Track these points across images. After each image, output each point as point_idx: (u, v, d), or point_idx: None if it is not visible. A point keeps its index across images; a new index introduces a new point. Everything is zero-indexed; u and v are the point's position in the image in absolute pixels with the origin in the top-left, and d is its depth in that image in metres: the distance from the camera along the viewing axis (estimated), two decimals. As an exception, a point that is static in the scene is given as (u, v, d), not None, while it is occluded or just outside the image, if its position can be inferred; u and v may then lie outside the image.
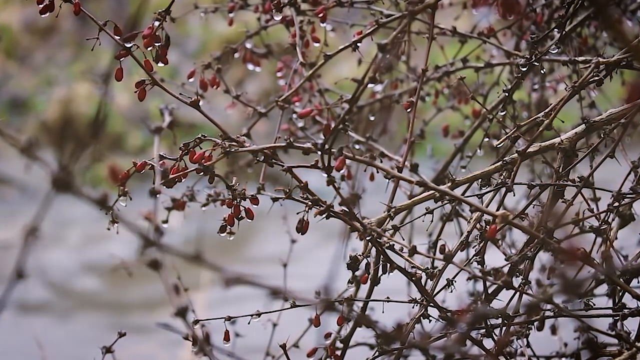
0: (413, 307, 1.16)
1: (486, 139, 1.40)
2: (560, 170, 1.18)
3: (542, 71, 1.55)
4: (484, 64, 1.48)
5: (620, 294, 1.18)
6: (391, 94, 1.62)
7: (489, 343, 1.14)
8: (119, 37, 1.12)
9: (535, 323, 1.16)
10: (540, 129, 1.16)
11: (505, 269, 1.16)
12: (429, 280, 1.16)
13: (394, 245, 1.11)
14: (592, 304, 1.14)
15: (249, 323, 1.24)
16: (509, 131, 1.22)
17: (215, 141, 1.12)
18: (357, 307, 1.25)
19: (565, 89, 1.19)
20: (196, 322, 1.24)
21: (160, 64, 1.20)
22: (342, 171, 1.14)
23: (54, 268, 4.43)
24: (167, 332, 0.82)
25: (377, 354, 1.14)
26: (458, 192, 1.21)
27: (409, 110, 1.22)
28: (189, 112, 1.36)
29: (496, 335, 1.14)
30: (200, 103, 1.15)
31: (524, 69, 1.25)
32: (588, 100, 1.59)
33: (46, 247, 4.55)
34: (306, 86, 1.52)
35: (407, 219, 1.46)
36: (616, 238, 1.27)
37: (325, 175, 1.07)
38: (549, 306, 1.11)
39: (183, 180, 1.15)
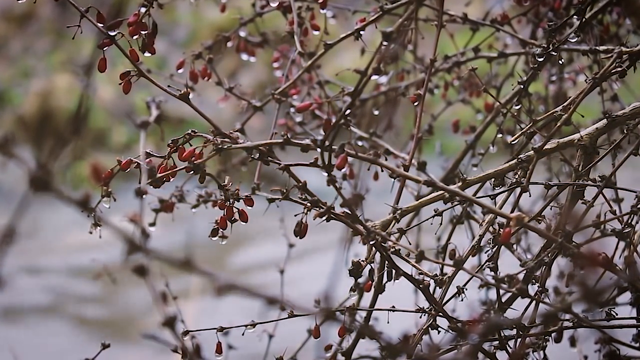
0: (420, 317, 1.16)
1: (500, 135, 1.40)
2: (580, 168, 1.18)
3: (560, 61, 1.55)
4: (498, 53, 1.48)
5: (645, 302, 1.18)
6: (397, 86, 1.62)
7: (502, 356, 1.14)
8: (102, 25, 1.12)
9: (553, 334, 1.16)
10: (558, 124, 1.16)
11: (520, 276, 1.16)
12: (437, 288, 1.16)
13: (399, 250, 1.11)
14: (614, 314, 1.14)
15: (243, 334, 1.24)
16: (525, 126, 1.22)
17: (206, 137, 1.12)
18: (360, 317, 1.25)
19: (586, 80, 1.19)
20: (186, 333, 1.24)
21: (147, 54, 1.20)
22: (343, 170, 1.14)
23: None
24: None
25: (381, 367, 1.14)
26: (469, 192, 1.21)
27: (416, 103, 1.21)
28: (177, 106, 1.36)
29: (510, 348, 1.14)
30: (190, 96, 1.15)
31: (541, 59, 1.25)
32: (610, 93, 1.59)
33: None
34: (305, 78, 1.52)
35: (414, 222, 1.46)
36: (640, 242, 1.27)
37: (326, 174, 1.07)
38: (567, 316, 1.11)
39: (171, 180, 1.15)
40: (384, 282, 1.16)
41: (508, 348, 1.14)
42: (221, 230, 1.18)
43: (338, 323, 1.11)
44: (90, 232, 1.10)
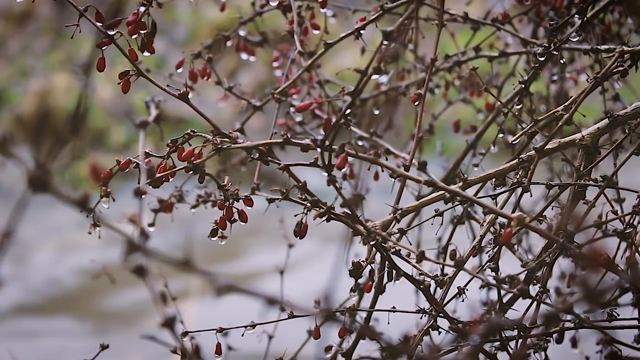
0: (421, 318, 1.16)
1: (501, 135, 1.40)
2: (582, 168, 1.18)
3: (561, 61, 1.55)
4: (499, 53, 1.48)
5: (647, 303, 1.18)
6: (397, 85, 1.62)
7: (503, 357, 1.14)
8: (101, 24, 1.12)
9: (554, 335, 1.16)
10: (560, 123, 1.16)
11: (522, 277, 1.16)
12: (438, 288, 1.16)
13: (400, 250, 1.11)
14: (615, 314, 1.14)
15: (242, 335, 1.24)
16: (526, 126, 1.22)
17: (205, 137, 1.12)
18: (360, 317, 1.25)
19: (587, 80, 1.19)
20: (185, 333, 1.24)
21: (146, 53, 1.20)
22: (343, 170, 1.14)
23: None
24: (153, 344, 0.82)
25: (382, 368, 1.14)
26: (470, 192, 1.21)
27: (416, 103, 1.22)
28: (177, 106, 1.36)
29: (511, 349, 1.14)
30: (190, 95, 1.15)
31: (542, 59, 1.25)
32: (611, 92, 1.59)
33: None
34: (305, 77, 1.52)
35: (415, 222, 1.46)
36: (642, 242, 1.27)
37: (326, 174, 1.07)
38: (569, 317, 1.11)
39: (171, 180, 1.15)
40: (384, 282, 1.16)
41: (509, 349, 1.14)
42: (221, 230, 1.18)
43: (338, 324, 1.11)
44: (89, 233, 1.10)
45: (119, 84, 1.16)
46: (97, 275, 0.85)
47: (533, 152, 1.17)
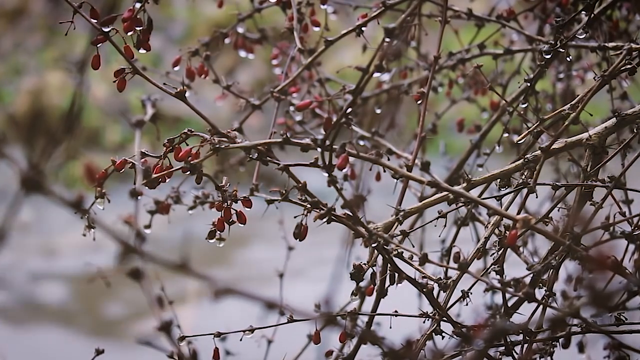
0: (424, 322, 1.16)
1: (506, 134, 1.40)
2: (589, 169, 1.18)
3: (568, 58, 1.55)
4: (504, 50, 1.48)
5: (656, 307, 1.18)
6: (400, 84, 1.62)
7: (508, 362, 1.14)
8: (95, 21, 1.12)
9: (561, 340, 1.16)
10: (566, 123, 1.16)
11: (527, 280, 1.16)
12: (441, 292, 1.16)
13: (402, 252, 1.11)
14: (623, 319, 1.14)
15: (240, 340, 1.24)
16: (531, 125, 1.22)
17: (203, 136, 1.12)
18: (362, 321, 1.25)
19: (594, 78, 1.19)
20: (182, 338, 1.24)
21: (142, 51, 1.20)
22: (344, 170, 1.14)
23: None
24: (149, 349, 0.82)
25: (384, 374, 1.14)
26: (474, 193, 1.21)
27: (419, 102, 1.22)
28: (173, 104, 1.36)
29: (517, 354, 1.14)
30: (187, 94, 1.15)
31: (548, 56, 1.25)
32: (619, 90, 1.59)
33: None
34: (305, 75, 1.52)
35: (418, 224, 1.46)
36: (651, 245, 1.27)
37: (326, 174, 1.07)
38: (575, 321, 1.11)
39: (167, 181, 1.15)
40: (386, 285, 1.16)
41: (514, 354, 1.14)
42: (219, 232, 1.18)
43: (339, 328, 1.11)
44: (84, 234, 1.10)
45: (114, 82, 1.16)
46: (91, 279, 0.86)
47: (539, 152, 1.17)
